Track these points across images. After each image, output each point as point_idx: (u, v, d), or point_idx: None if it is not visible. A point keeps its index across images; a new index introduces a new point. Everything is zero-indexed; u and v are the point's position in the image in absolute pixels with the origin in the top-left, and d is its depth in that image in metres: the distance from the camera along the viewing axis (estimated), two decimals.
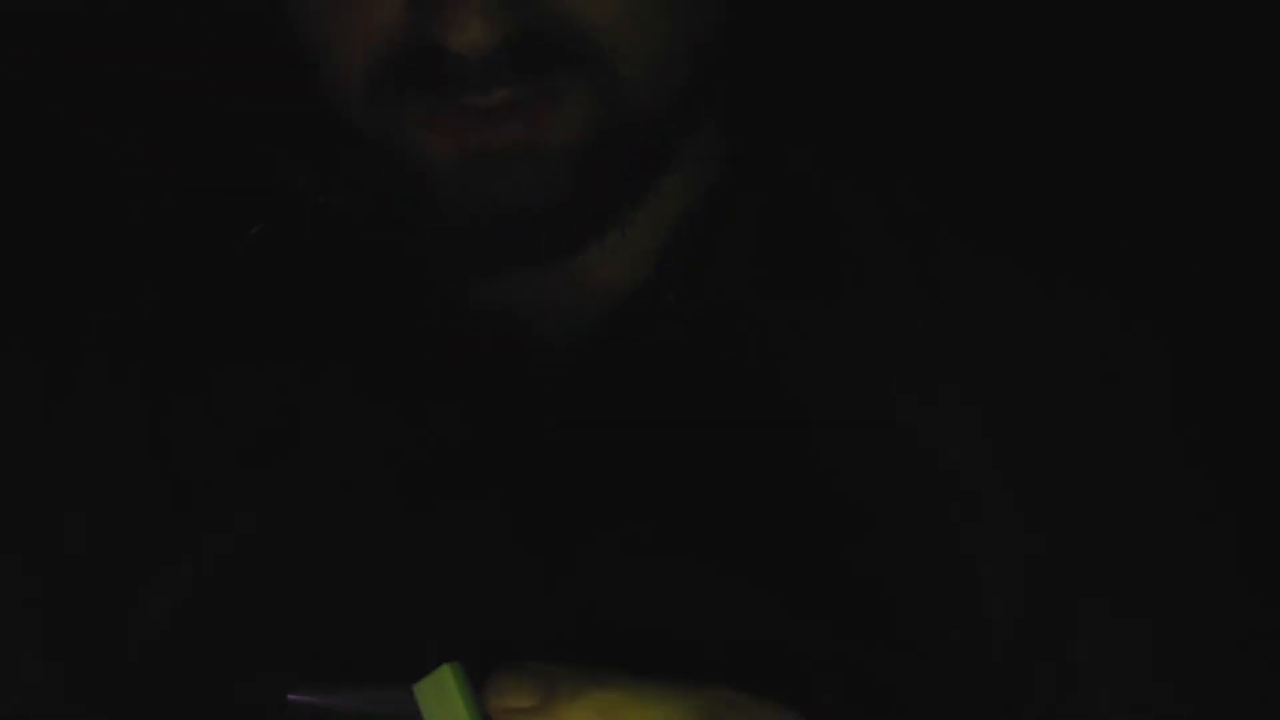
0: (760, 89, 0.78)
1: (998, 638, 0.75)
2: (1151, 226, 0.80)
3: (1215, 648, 0.76)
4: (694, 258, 0.76)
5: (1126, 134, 0.88)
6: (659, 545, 0.73)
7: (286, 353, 0.76)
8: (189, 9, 0.80)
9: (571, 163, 0.70)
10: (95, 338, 0.77)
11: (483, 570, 0.72)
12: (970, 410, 0.76)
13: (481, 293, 0.75)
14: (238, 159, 0.78)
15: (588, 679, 0.63)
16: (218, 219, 0.77)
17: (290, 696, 0.64)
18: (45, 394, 0.76)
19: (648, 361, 0.75)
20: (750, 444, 0.75)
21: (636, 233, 0.75)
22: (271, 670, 0.68)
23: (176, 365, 0.76)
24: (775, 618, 0.73)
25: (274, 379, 0.75)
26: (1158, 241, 0.80)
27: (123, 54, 0.81)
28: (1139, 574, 0.76)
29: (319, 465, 0.74)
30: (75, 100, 0.81)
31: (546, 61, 0.69)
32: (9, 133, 0.81)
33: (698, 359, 0.76)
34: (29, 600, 0.74)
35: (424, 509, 0.73)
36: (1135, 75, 0.92)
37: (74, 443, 0.76)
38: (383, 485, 0.73)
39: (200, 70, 0.79)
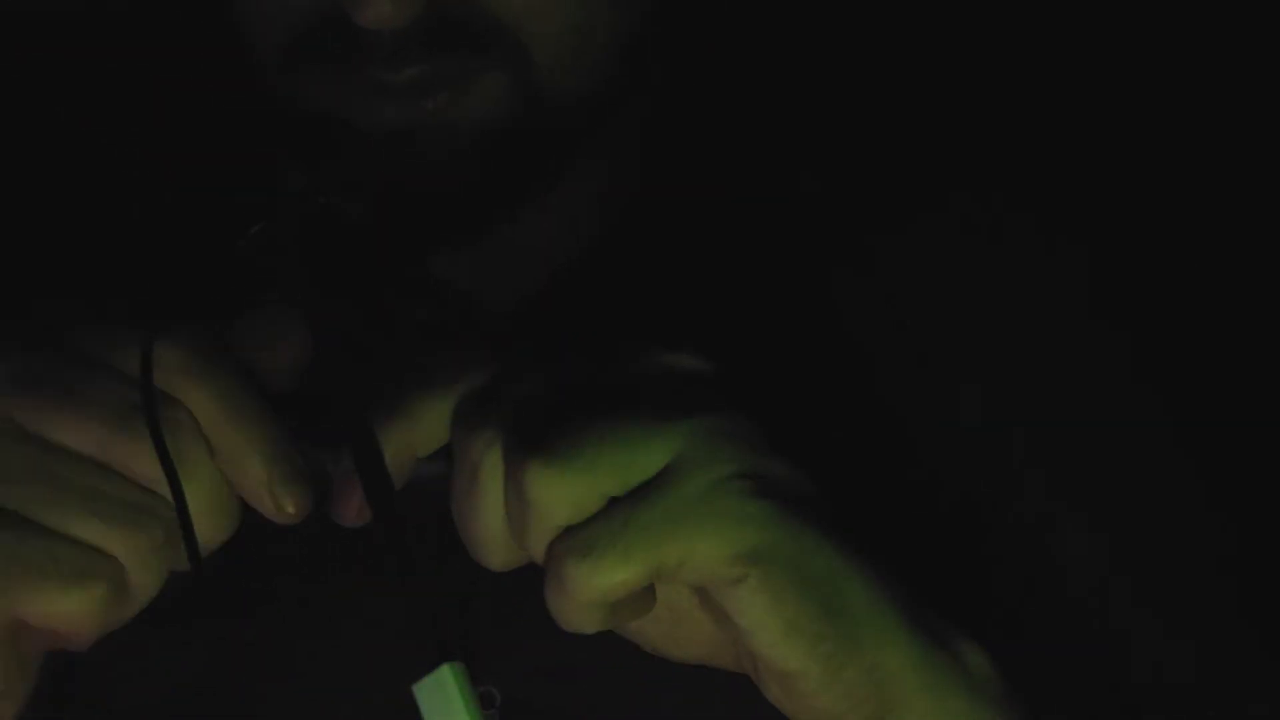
0: (694, 62, 0.80)
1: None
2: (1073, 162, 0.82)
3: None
4: (625, 221, 0.77)
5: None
6: None
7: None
8: (187, 8, 0.80)
9: (482, 145, 0.71)
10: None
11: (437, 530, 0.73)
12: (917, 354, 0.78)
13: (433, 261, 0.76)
14: (238, 159, 0.78)
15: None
16: (218, 219, 0.77)
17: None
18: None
19: (587, 323, 0.76)
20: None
21: (573, 199, 0.76)
22: None
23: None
24: None
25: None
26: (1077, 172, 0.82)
27: (122, 54, 0.81)
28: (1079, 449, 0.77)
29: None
30: (75, 100, 0.81)
31: (458, 42, 0.69)
32: (8, 133, 0.81)
33: (636, 320, 0.76)
34: None
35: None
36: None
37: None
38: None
39: (199, 70, 0.79)
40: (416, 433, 0.65)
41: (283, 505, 0.65)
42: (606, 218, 0.78)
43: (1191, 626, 0.77)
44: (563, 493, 0.62)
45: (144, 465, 0.63)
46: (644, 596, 0.64)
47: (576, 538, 0.62)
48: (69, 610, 0.62)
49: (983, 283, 0.78)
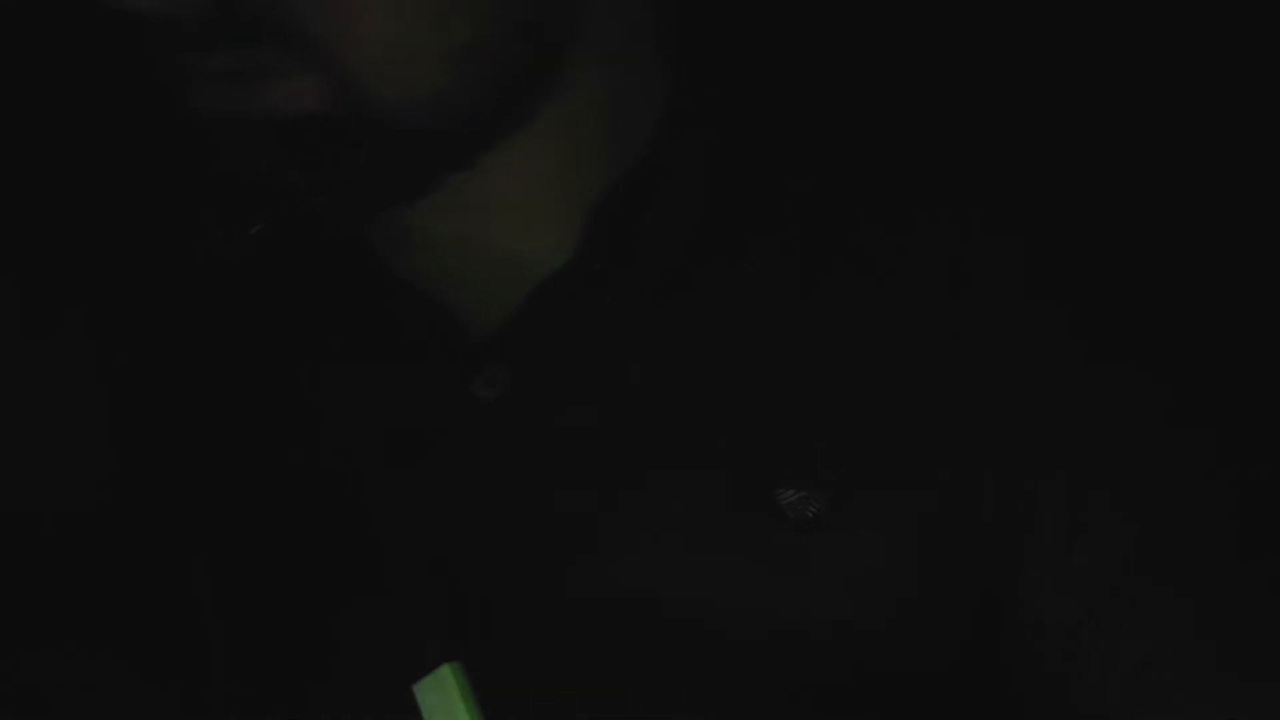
0: (696, 57, 0.78)
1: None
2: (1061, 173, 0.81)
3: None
4: (621, 227, 0.76)
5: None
6: (594, 516, 0.74)
7: (279, 346, 0.77)
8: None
9: (313, 137, 0.71)
10: (92, 335, 0.77)
11: (423, 540, 0.74)
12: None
13: (415, 268, 0.76)
14: (238, 159, 0.78)
15: None
16: (218, 219, 0.77)
17: None
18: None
19: (580, 332, 0.76)
20: (686, 411, 0.75)
21: (567, 202, 0.75)
22: None
23: (172, 360, 0.77)
24: (729, 587, 0.74)
25: (265, 370, 0.76)
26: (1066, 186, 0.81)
27: (122, 54, 0.81)
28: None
29: (295, 439, 0.76)
30: (73, 99, 0.81)
31: (250, 35, 0.69)
32: (8, 132, 0.81)
33: (635, 328, 0.76)
34: None
35: (377, 479, 0.74)
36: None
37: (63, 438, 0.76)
38: (348, 453, 0.75)
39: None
40: None
41: None
42: (593, 225, 0.77)
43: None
44: None
45: None
46: None
47: None
48: None
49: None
